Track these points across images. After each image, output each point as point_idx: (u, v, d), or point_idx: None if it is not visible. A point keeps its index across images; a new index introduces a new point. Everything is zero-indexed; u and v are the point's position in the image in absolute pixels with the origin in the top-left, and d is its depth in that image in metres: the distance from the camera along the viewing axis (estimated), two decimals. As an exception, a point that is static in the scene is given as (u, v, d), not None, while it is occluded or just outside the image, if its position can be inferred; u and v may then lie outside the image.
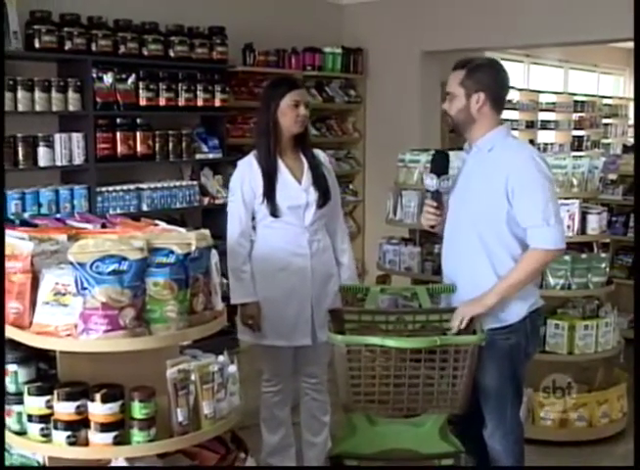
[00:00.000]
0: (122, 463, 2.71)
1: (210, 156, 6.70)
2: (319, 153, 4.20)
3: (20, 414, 2.77)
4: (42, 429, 2.70)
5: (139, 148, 6.14)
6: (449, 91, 3.56)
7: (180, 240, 2.74)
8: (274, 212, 3.96)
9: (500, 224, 3.44)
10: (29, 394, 2.72)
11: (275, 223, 4.01)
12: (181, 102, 6.39)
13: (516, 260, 3.44)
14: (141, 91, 6.13)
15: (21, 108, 5.46)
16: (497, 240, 3.47)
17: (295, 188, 4.00)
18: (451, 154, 3.81)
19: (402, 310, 4.08)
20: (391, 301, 5.08)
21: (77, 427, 2.66)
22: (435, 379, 3.27)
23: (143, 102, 6.15)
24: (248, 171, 4.04)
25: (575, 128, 14.28)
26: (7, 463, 2.89)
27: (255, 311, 4.02)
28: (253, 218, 4.07)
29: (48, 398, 2.69)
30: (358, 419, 3.43)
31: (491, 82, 3.50)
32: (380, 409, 3.38)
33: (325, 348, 3.92)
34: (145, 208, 6.17)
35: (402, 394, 3.29)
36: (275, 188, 3.97)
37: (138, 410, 2.67)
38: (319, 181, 4.05)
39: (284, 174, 4.01)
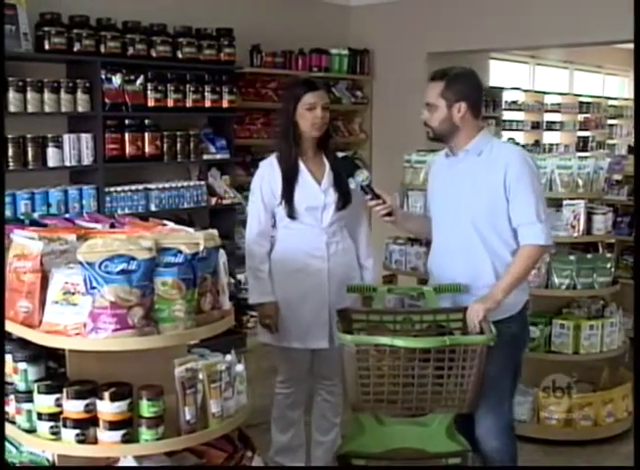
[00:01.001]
0: (131, 461, 2.74)
1: (218, 156, 6.72)
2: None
3: (29, 412, 2.79)
4: (52, 427, 2.72)
5: (147, 148, 6.16)
6: (429, 102, 3.59)
7: (188, 240, 2.76)
8: (291, 214, 3.95)
9: (501, 221, 3.54)
10: (39, 392, 2.74)
11: (293, 225, 3.99)
12: (189, 103, 6.42)
13: (514, 255, 3.54)
14: (149, 92, 6.16)
15: (30, 109, 5.49)
16: (498, 237, 3.56)
17: (314, 189, 3.98)
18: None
19: (410, 310, 4.07)
20: (398, 300, 5.10)
21: (86, 425, 2.68)
22: (444, 379, 3.28)
23: (151, 103, 6.18)
24: (268, 172, 4.02)
25: (581, 129, 14.30)
26: (17, 461, 2.91)
27: (273, 311, 4.00)
28: (274, 218, 4.05)
29: (57, 396, 2.71)
30: (366, 419, 3.44)
31: (470, 91, 3.58)
32: (388, 409, 3.38)
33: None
34: (153, 208, 6.19)
35: (411, 393, 3.30)
36: (294, 190, 3.95)
37: (146, 409, 2.68)
38: (339, 183, 3.96)
39: (304, 175, 3.98)
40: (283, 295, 4.02)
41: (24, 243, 2.81)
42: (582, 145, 14.12)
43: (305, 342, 4.04)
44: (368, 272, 4.17)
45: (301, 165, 3.99)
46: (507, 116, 12.29)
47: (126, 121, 6.06)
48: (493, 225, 3.54)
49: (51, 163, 5.65)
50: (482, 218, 3.55)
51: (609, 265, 5.21)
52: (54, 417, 2.72)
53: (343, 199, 4.00)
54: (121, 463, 2.76)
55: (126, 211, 5.94)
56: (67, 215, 4.39)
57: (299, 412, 4.28)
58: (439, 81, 3.56)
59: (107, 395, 2.65)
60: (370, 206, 3.76)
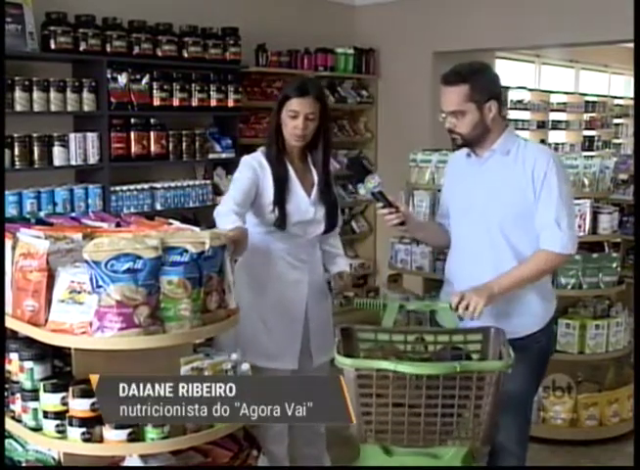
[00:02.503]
0: (136, 460, 2.74)
1: (223, 155, 6.73)
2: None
3: (35, 411, 2.79)
4: (57, 425, 2.73)
5: (153, 148, 6.16)
6: (455, 110, 3.31)
7: (194, 239, 2.76)
8: (282, 225, 3.58)
9: (529, 224, 3.31)
10: (45, 390, 2.74)
11: (277, 232, 3.61)
12: (194, 102, 6.42)
13: None
14: (155, 91, 6.16)
15: (36, 108, 5.49)
16: (527, 240, 3.33)
17: (304, 201, 3.65)
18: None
19: (423, 330, 3.75)
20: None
21: (92, 424, 2.68)
22: (455, 409, 2.88)
23: (157, 102, 6.18)
24: (259, 170, 3.60)
25: (586, 128, 14.27)
26: (23, 459, 2.92)
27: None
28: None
29: (63, 394, 2.72)
30: (371, 449, 3.05)
31: (495, 87, 3.37)
32: (393, 440, 2.99)
33: (324, 369, 3.68)
34: (158, 207, 6.19)
35: (418, 424, 2.90)
36: (286, 200, 3.59)
37: (152, 407, 2.69)
38: (327, 201, 3.71)
39: (294, 183, 3.64)
40: (255, 306, 3.61)
41: (31, 242, 2.81)
42: (588, 144, 14.10)
43: (274, 360, 3.60)
44: (340, 258, 3.92)
45: (291, 173, 3.64)
46: (512, 115, 12.28)
47: (132, 121, 6.07)
48: (524, 229, 3.31)
49: (57, 162, 5.65)
50: (512, 222, 3.31)
51: (614, 265, 5.21)
52: (60, 416, 2.72)
53: (331, 221, 3.74)
54: (127, 462, 2.77)
55: (132, 210, 5.94)
56: (72, 214, 4.39)
57: (284, 447, 3.80)
58: (461, 85, 3.27)
59: (113, 393, 2.66)
60: (381, 214, 3.48)
